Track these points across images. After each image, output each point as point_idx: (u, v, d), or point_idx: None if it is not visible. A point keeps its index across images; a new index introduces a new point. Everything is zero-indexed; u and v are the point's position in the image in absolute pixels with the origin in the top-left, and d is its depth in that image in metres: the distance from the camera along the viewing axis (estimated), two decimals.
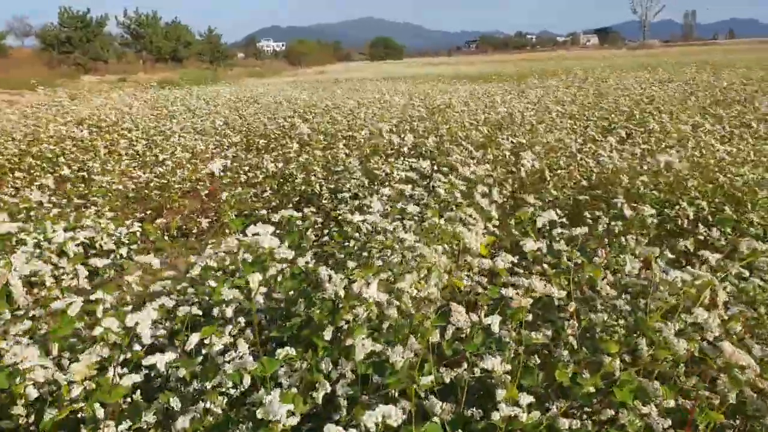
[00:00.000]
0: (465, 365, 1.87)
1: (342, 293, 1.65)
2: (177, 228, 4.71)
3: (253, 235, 1.42)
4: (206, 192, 5.39)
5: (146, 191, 5.31)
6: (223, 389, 1.77)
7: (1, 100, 7.56)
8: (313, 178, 5.30)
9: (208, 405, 1.74)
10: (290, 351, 1.50)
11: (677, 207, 3.40)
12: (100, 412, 1.53)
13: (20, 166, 5.62)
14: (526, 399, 1.37)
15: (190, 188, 5.66)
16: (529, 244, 1.78)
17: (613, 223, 3.25)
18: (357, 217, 2.01)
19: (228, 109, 9.09)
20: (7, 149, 6.02)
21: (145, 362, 1.34)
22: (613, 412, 1.60)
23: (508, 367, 1.37)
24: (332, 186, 5.02)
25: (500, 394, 1.34)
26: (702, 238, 3.01)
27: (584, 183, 4.00)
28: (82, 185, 4.93)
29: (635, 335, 1.88)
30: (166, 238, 4.38)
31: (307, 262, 1.94)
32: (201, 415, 1.69)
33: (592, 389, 1.54)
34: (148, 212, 5.17)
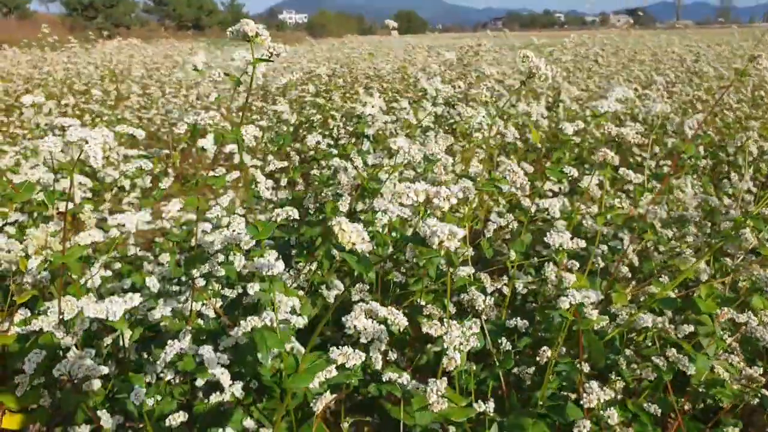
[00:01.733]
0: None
1: (360, 164, 1.35)
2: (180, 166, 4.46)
3: None
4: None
5: (153, 129, 5.08)
6: (216, 288, 1.49)
7: (25, 61, 7.55)
8: (331, 122, 5.02)
9: (197, 306, 1.47)
10: (291, 212, 1.20)
11: (737, 146, 3.04)
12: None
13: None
14: (594, 295, 1.06)
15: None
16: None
17: (662, 162, 2.93)
18: (368, 108, 1.69)
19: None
20: (16, 90, 5.86)
21: (111, 220, 1.06)
22: (691, 328, 1.29)
23: (582, 243, 1.06)
24: (351, 129, 4.75)
25: (569, 278, 1.04)
26: None
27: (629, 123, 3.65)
28: (88, 118, 4.69)
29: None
30: (170, 171, 4.15)
31: (318, 142, 1.64)
32: (190, 313, 1.41)
33: (671, 294, 1.23)
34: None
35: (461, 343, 0.87)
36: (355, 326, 0.83)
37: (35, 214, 1.57)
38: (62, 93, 5.49)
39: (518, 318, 1.34)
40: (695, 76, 4.71)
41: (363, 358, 0.85)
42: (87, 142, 0.84)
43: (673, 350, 1.13)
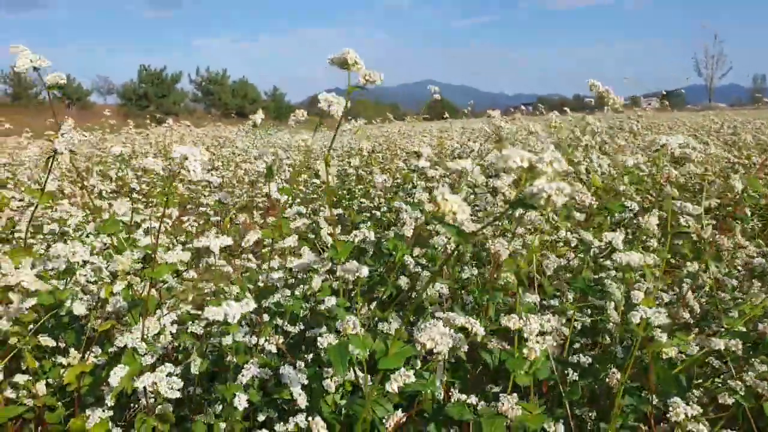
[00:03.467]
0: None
1: (425, 197, 1.42)
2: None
3: None
4: (264, 208, 5.34)
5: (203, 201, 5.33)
6: (280, 323, 1.53)
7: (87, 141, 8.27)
8: (372, 191, 5.18)
9: (261, 341, 1.51)
10: (367, 233, 1.26)
11: None
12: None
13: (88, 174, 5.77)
14: (660, 316, 1.07)
15: (246, 203, 5.64)
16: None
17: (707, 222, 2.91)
18: (421, 162, 1.77)
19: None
20: (78, 167, 6.28)
21: (196, 242, 1.14)
22: (764, 367, 1.25)
23: (653, 258, 1.07)
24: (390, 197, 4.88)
25: (637, 296, 1.05)
26: None
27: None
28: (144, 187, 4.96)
29: None
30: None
31: (384, 180, 1.71)
32: (254, 347, 1.45)
33: (742, 328, 1.21)
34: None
35: (539, 339, 0.89)
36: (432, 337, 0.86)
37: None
38: (118, 168, 5.85)
39: (580, 355, 1.33)
40: (733, 147, 4.73)
41: (450, 345, 0.86)
42: (187, 159, 0.93)
43: (750, 374, 1.11)
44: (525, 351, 0.86)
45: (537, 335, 0.87)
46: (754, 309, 1.25)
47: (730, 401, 1.12)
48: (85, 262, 1.24)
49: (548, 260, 1.46)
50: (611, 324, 1.39)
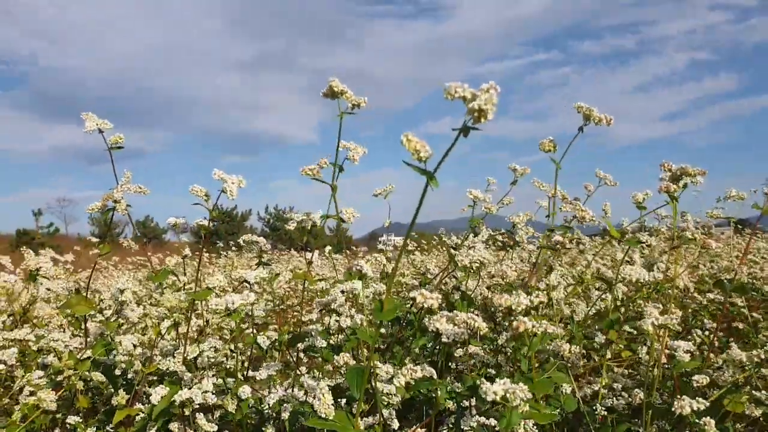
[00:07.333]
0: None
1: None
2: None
3: None
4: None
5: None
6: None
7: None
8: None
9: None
10: (366, 267, 1.30)
11: None
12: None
13: None
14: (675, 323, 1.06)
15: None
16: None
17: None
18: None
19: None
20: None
21: (235, 274, 1.26)
22: None
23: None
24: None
25: (652, 311, 1.06)
26: None
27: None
28: None
29: None
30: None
31: None
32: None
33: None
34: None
35: (537, 324, 0.91)
36: (436, 328, 0.91)
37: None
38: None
39: (614, 398, 1.30)
40: None
41: (439, 300, 0.86)
42: (225, 181, 1.10)
43: None
44: (514, 324, 0.87)
45: (525, 305, 0.90)
46: None
47: (758, 413, 1.05)
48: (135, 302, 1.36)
49: (578, 306, 1.47)
50: (642, 367, 1.36)
